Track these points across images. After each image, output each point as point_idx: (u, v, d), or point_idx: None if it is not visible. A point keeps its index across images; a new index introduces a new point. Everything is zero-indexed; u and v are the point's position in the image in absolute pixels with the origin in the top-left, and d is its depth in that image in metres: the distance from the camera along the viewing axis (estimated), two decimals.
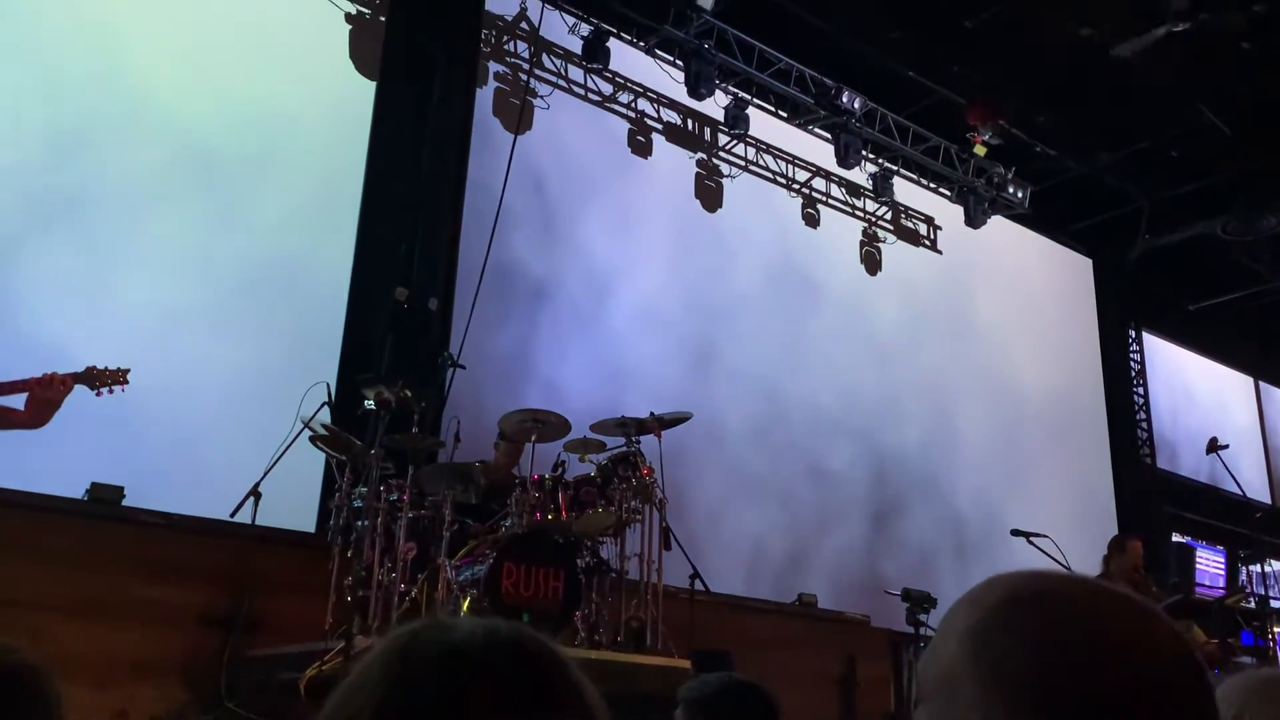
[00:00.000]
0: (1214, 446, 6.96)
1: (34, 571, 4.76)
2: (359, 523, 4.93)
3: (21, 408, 3.81)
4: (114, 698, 4.72)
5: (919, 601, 5.30)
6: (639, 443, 5.45)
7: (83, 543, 5.00)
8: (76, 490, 5.29)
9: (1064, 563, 5.47)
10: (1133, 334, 12.51)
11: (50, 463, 5.46)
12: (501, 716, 0.76)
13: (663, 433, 5.57)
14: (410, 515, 4.88)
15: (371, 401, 5.01)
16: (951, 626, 0.89)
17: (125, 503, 5.33)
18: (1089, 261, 12.51)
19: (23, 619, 4.56)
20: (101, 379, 3.91)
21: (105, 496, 5.28)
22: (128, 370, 3.98)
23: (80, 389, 3.94)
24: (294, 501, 5.88)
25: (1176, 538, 11.40)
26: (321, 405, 5.29)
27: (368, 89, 7.42)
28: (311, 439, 5.20)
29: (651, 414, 5.58)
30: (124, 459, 5.64)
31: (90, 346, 5.67)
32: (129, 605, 4.95)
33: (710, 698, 2.37)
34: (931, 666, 0.89)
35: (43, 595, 4.71)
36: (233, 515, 5.00)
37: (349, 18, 7.46)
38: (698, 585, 5.89)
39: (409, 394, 5.07)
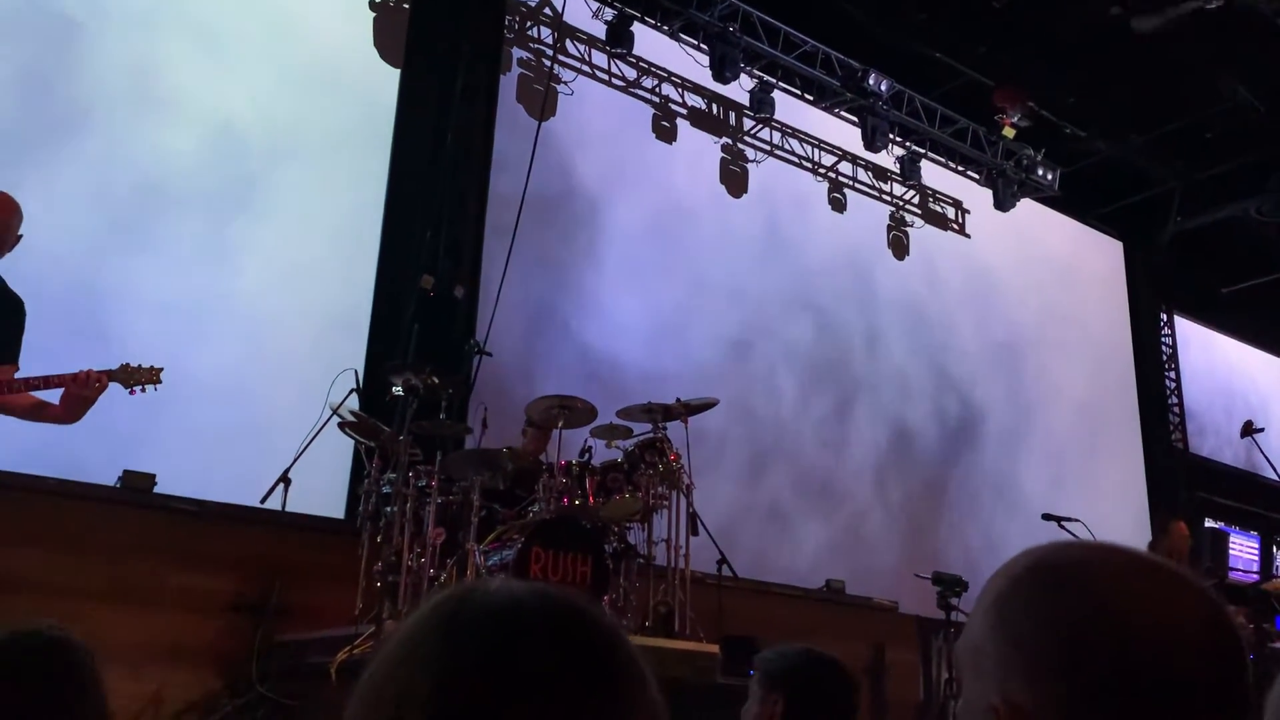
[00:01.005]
0: (1249, 430, 6.87)
1: (69, 558, 4.82)
2: (388, 508, 4.95)
3: (57, 402, 3.84)
4: (148, 683, 4.77)
5: (950, 585, 5.26)
6: (665, 428, 5.44)
7: (116, 530, 5.06)
8: (108, 478, 5.34)
9: None
10: (1164, 317, 12.36)
11: (82, 451, 5.52)
12: (569, 677, 0.73)
13: (689, 418, 5.56)
14: (439, 501, 4.90)
15: (399, 388, 5.02)
16: (981, 600, 0.88)
17: (156, 490, 5.37)
18: (1119, 244, 12.35)
19: (58, 605, 4.61)
20: (135, 377, 3.94)
21: (137, 484, 5.33)
22: (160, 369, 4.01)
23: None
24: (323, 488, 5.93)
25: (1209, 523, 11.26)
26: (350, 392, 5.32)
27: (392, 77, 7.42)
28: (340, 426, 5.23)
29: (678, 400, 5.57)
30: (154, 447, 5.69)
31: (121, 337, 5.74)
32: (162, 591, 5.00)
33: (790, 670, 2.34)
34: (964, 641, 0.88)
35: (78, 582, 4.76)
36: (263, 502, 5.04)
37: (373, 5, 7.47)
38: (725, 571, 5.88)
39: (436, 381, 5.08)
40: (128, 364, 3.94)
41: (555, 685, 0.72)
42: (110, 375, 3.88)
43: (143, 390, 3.96)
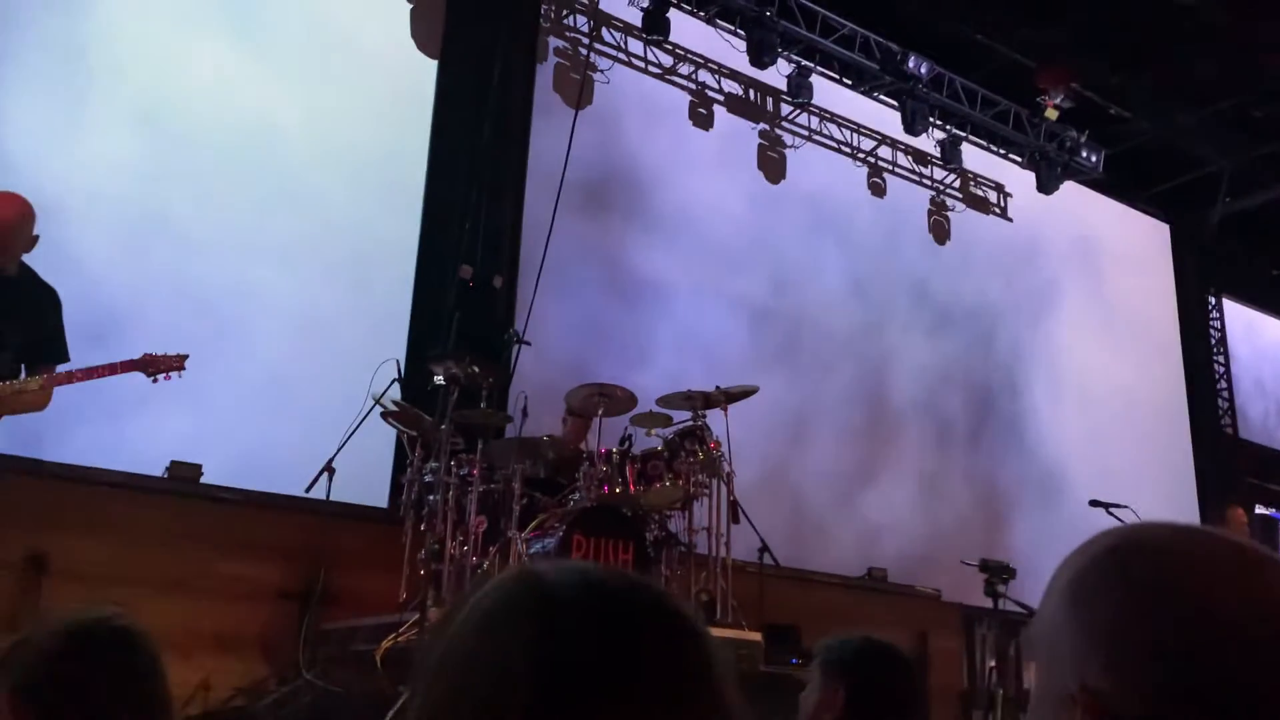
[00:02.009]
0: None
1: (121, 547, 4.91)
2: (430, 497, 4.99)
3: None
4: (198, 670, 4.85)
5: (997, 572, 5.18)
6: (705, 416, 5.42)
7: (165, 520, 5.14)
8: (155, 468, 5.42)
9: None
10: (1212, 300, 12.12)
11: (130, 441, 5.62)
12: (667, 662, 0.72)
13: (729, 406, 5.53)
14: (481, 489, 4.93)
15: (441, 377, 5.05)
16: (1054, 582, 0.84)
17: (203, 480, 5.45)
18: (1166, 227, 12.11)
19: (111, 594, 4.68)
20: (157, 365, 4.05)
21: (185, 474, 5.41)
22: (185, 356, 4.11)
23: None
24: (367, 477, 5.98)
25: (1260, 510, 11.05)
26: (392, 382, 5.36)
27: (429, 68, 7.45)
28: (383, 415, 5.28)
29: (717, 387, 5.54)
30: (199, 437, 5.77)
31: (163, 330, 5.81)
32: (210, 580, 5.08)
33: (852, 658, 2.32)
34: (1036, 625, 0.84)
35: (129, 571, 4.85)
36: (307, 491, 5.10)
37: None
38: (766, 559, 5.86)
39: (476, 370, 5.11)
40: (150, 353, 4.05)
41: (652, 668, 0.71)
42: (133, 364, 3.99)
43: (166, 378, 4.06)
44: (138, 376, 4.06)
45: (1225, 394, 11.78)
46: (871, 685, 2.28)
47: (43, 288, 4.05)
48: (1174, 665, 0.74)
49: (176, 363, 4.09)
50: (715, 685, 0.74)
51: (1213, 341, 11.95)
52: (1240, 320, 12.58)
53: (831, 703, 2.25)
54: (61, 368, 3.98)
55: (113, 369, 3.96)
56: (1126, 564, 0.80)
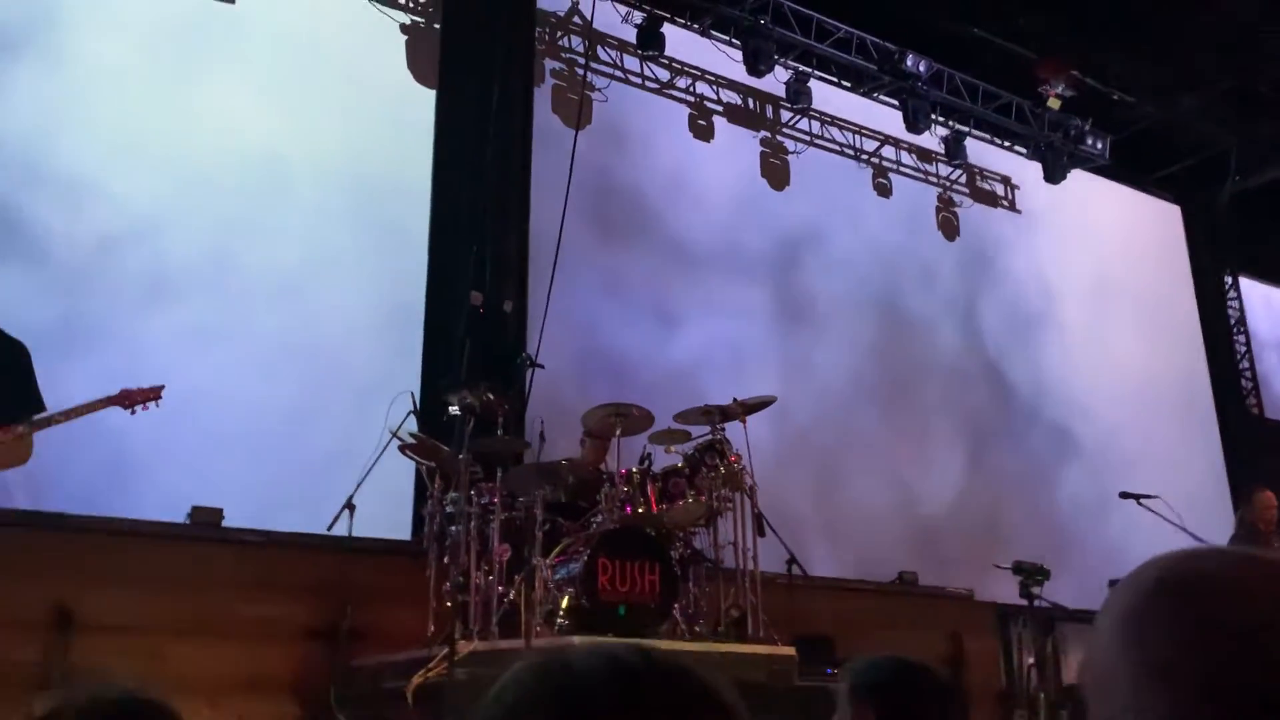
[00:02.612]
0: None
1: (147, 596, 4.88)
2: (453, 528, 4.95)
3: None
4: (229, 714, 4.82)
5: (1031, 574, 5.11)
6: (724, 429, 5.38)
7: (190, 565, 5.12)
8: (177, 515, 5.41)
9: (1179, 523, 5.25)
10: (1229, 280, 11.99)
11: (150, 489, 5.62)
12: None
13: (748, 418, 5.48)
14: (503, 517, 4.89)
15: (456, 407, 5.02)
16: (1102, 619, 0.80)
17: (225, 524, 5.44)
18: (1177, 209, 12.01)
19: (140, 643, 4.69)
20: (133, 398, 4.21)
21: (206, 519, 5.40)
22: (161, 387, 4.25)
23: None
24: (388, 511, 5.96)
25: None
26: (408, 414, 5.34)
27: (428, 98, 7.46)
28: (400, 448, 5.25)
29: (735, 400, 5.50)
30: (219, 481, 5.76)
31: (170, 372, 5.83)
32: (237, 623, 5.05)
33: (877, 680, 2.26)
34: (1087, 663, 0.80)
35: (156, 619, 4.83)
36: (329, 529, 5.07)
37: (404, 28, 7.51)
38: (795, 570, 5.80)
39: (491, 397, 5.08)
40: (127, 388, 4.16)
41: None
42: (110, 400, 4.12)
43: (144, 408, 4.20)
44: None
45: (1249, 374, 11.65)
46: (903, 707, 2.21)
47: (8, 342, 4.11)
48: (1246, 700, 0.70)
49: (152, 394, 4.26)
50: None
51: (1232, 321, 11.82)
52: (1260, 297, 12.44)
53: None
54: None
55: (91, 407, 4.08)
56: (1177, 599, 0.76)
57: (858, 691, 2.23)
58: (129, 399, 4.27)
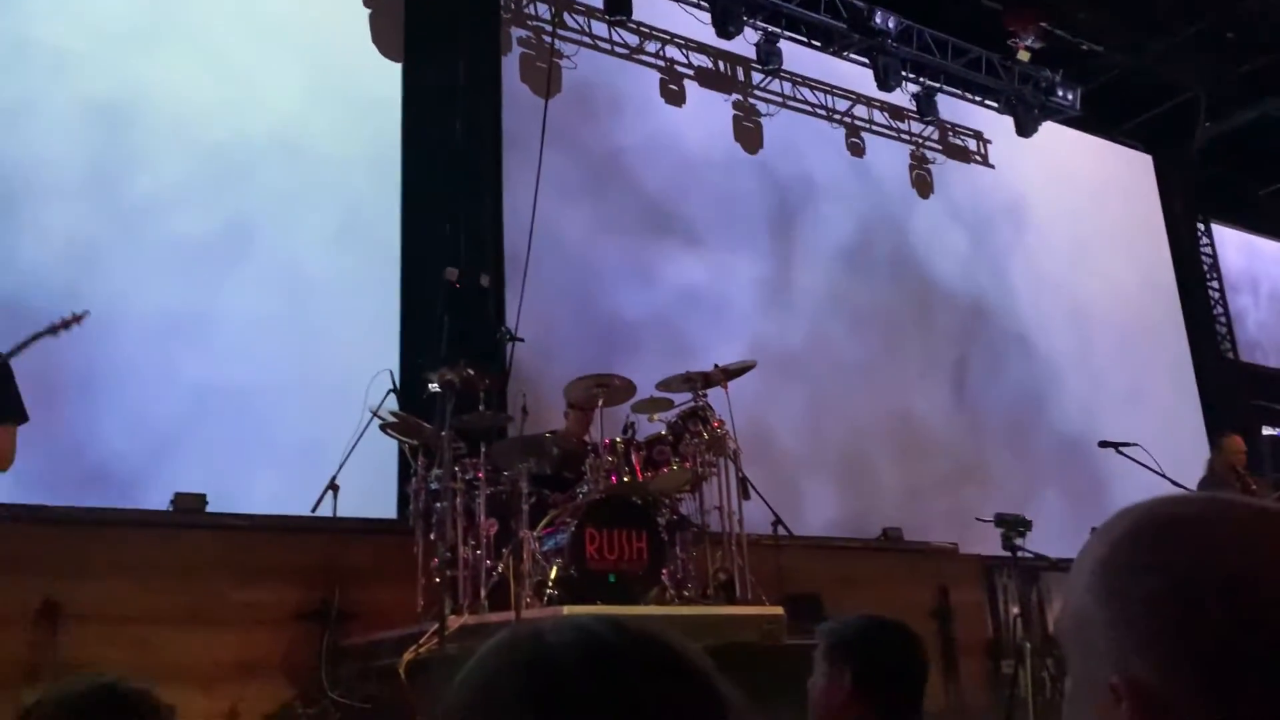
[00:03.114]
0: None
1: (134, 586, 4.87)
2: (438, 504, 4.95)
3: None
4: (223, 699, 4.83)
5: (1013, 525, 5.16)
6: (706, 396, 5.39)
7: (175, 553, 5.10)
8: (160, 503, 5.39)
9: (1159, 470, 5.31)
10: (1201, 227, 12.07)
11: (131, 478, 5.59)
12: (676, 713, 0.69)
13: (730, 383, 5.49)
14: (488, 492, 4.89)
15: (436, 384, 5.01)
16: (1078, 570, 0.79)
17: (208, 509, 5.42)
18: (1149, 158, 12.05)
19: (128, 632, 4.68)
20: (56, 329, 4.48)
21: (190, 505, 5.38)
22: (86, 313, 4.54)
23: None
24: (373, 491, 5.95)
25: (1268, 430, 11.05)
26: (388, 393, 5.32)
27: (394, 71, 7.36)
28: (382, 427, 5.24)
29: (716, 366, 5.50)
30: (199, 467, 5.74)
31: (139, 350, 5.78)
32: (226, 608, 5.05)
33: (851, 640, 2.28)
34: (1065, 615, 0.80)
35: (145, 608, 4.82)
36: (314, 510, 5.06)
37: (367, 2, 7.39)
38: (781, 531, 5.84)
39: (472, 372, 5.06)
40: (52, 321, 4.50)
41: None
42: (42, 334, 4.42)
43: (68, 330, 4.49)
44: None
45: (1223, 319, 11.76)
46: (879, 663, 2.24)
47: None
48: (1221, 646, 0.70)
49: (75, 320, 4.50)
50: None
51: (1205, 267, 11.91)
52: (1232, 243, 12.54)
53: (839, 685, 2.22)
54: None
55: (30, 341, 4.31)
56: (1155, 545, 0.75)
57: (834, 652, 2.26)
58: (55, 329, 4.51)
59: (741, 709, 0.73)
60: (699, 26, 8.59)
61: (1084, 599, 0.77)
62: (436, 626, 4.31)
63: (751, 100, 9.08)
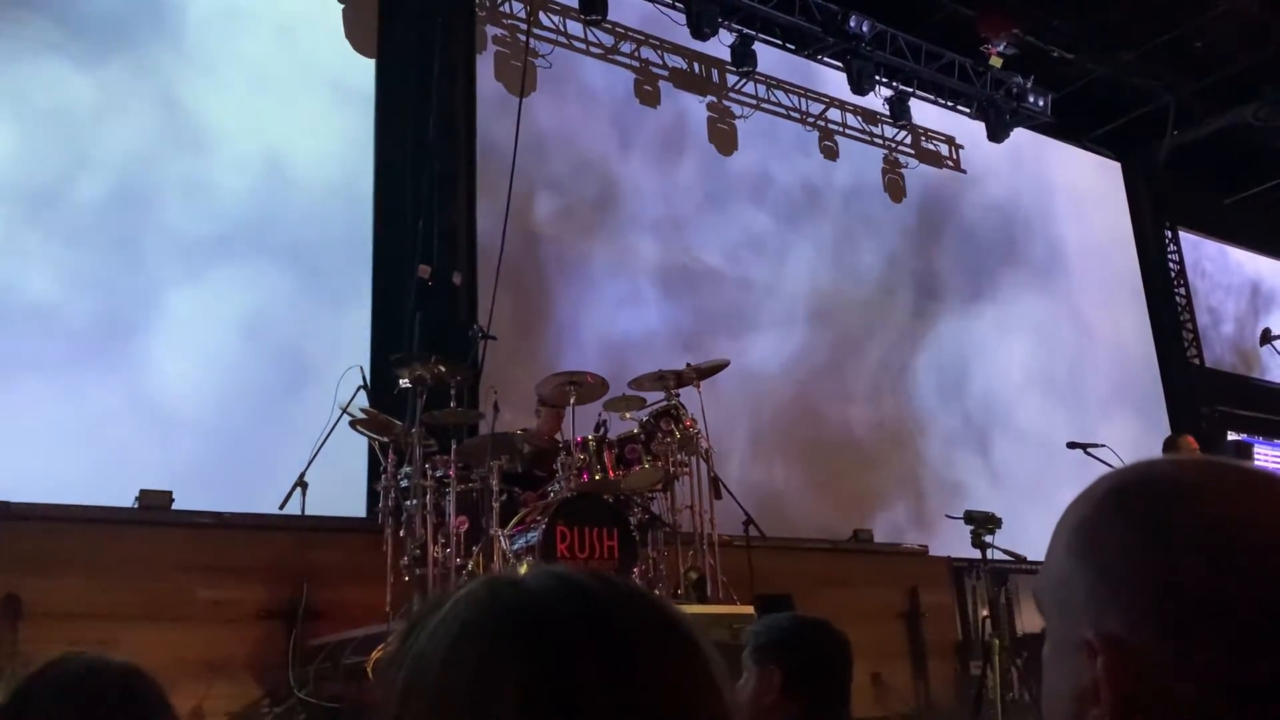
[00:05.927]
0: (1267, 338, 6.80)
1: (98, 582, 4.80)
2: (408, 502, 4.92)
3: None
4: (189, 698, 4.76)
5: (983, 523, 5.19)
6: (679, 395, 5.39)
7: (140, 550, 5.04)
8: (125, 499, 5.31)
9: None
10: (1169, 234, 12.21)
11: (96, 473, 5.51)
12: (659, 655, 0.68)
13: (702, 382, 5.50)
14: (459, 490, 4.87)
15: (406, 381, 4.97)
16: (1058, 532, 0.79)
17: (174, 506, 5.35)
18: (1118, 165, 12.18)
19: (92, 630, 4.60)
20: None
21: (155, 502, 5.31)
22: None
23: None
24: (342, 488, 5.89)
25: (1232, 436, 11.19)
26: (358, 390, 5.27)
27: (367, 68, 7.32)
28: (351, 424, 5.19)
29: (688, 365, 5.51)
30: (165, 463, 5.67)
31: (130, 360, 5.71)
32: (192, 606, 4.99)
33: (779, 640, 2.28)
34: (1043, 578, 0.79)
35: (108, 605, 4.75)
36: (282, 507, 5.01)
37: None
38: (752, 531, 5.85)
39: (443, 369, 5.04)
40: None
41: (650, 682, 0.67)
42: None
43: None
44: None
45: (1189, 325, 11.89)
46: (807, 662, 2.24)
47: None
48: (1196, 600, 0.70)
49: None
50: (715, 691, 0.70)
51: (1172, 274, 12.05)
52: (1199, 250, 12.69)
53: (769, 685, 2.21)
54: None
55: None
56: (1132, 503, 0.76)
57: (761, 653, 2.25)
58: None
59: (722, 665, 0.72)
60: (674, 28, 8.60)
61: (1061, 561, 0.77)
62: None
63: (726, 102, 9.10)
